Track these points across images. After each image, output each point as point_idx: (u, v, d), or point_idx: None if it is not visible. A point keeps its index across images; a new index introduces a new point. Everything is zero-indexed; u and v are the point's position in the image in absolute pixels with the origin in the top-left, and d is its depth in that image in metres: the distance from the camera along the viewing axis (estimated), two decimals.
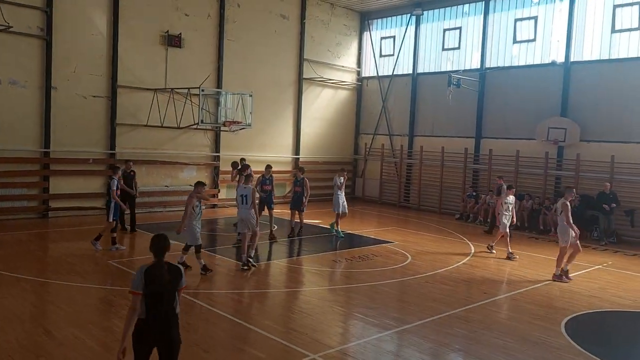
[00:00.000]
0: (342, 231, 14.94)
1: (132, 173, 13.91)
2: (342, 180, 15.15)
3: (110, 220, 11.88)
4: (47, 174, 15.86)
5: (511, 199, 13.31)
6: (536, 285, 10.50)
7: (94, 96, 16.57)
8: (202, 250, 10.48)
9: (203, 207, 10.81)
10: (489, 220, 17.46)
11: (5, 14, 14.33)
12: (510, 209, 13.17)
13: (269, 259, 12.22)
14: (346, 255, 12.63)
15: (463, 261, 12.43)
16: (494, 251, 13.36)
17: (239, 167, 14.92)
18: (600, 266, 12.42)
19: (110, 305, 8.31)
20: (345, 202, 15.22)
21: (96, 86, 16.57)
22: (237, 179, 13.80)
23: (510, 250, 12.96)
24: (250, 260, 10.88)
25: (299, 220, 14.49)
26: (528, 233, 16.83)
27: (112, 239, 11.94)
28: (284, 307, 9.01)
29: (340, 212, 14.94)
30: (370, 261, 12.03)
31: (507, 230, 13.16)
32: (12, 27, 14.48)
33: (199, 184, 10.45)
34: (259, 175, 14.22)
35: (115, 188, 11.93)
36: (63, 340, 6.86)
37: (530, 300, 9.49)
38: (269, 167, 14.36)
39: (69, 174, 16.08)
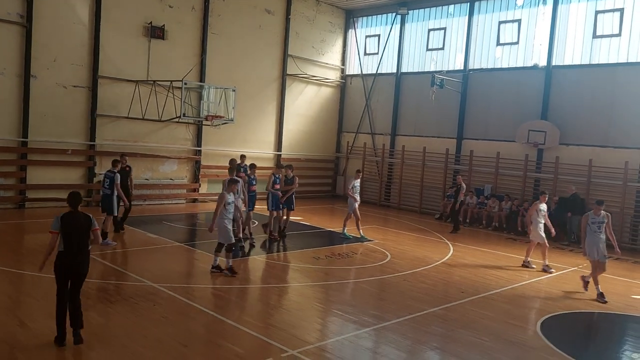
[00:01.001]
0: (348, 233, 14.62)
1: (127, 169, 12.94)
2: (357, 183, 14.76)
3: (116, 214, 11.71)
4: (25, 164, 15.57)
5: (544, 206, 12.25)
6: (513, 286, 10.66)
7: (74, 86, 16.31)
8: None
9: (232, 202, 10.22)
10: (457, 219, 17.56)
11: None
12: (543, 217, 12.14)
13: (248, 254, 12.16)
14: (326, 252, 12.65)
15: (442, 260, 12.55)
16: (533, 265, 12.27)
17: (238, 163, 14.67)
18: (575, 268, 12.65)
19: (87, 298, 8.16)
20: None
21: (77, 76, 16.30)
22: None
23: (546, 263, 12.10)
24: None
25: (286, 217, 14.12)
26: (506, 234, 17.05)
27: (104, 233, 11.78)
28: (263, 303, 8.99)
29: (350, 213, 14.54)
30: (350, 259, 12.08)
31: (545, 240, 12.15)
32: None
33: (232, 182, 10.27)
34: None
35: (118, 182, 11.76)
36: (38, 333, 6.75)
37: (507, 300, 9.62)
38: (253, 165, 13.83)
39: (46, 164, 15.81)
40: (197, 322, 7.53)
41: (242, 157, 16.15)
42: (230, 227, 9.97)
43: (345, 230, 14.61)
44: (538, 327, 8.25)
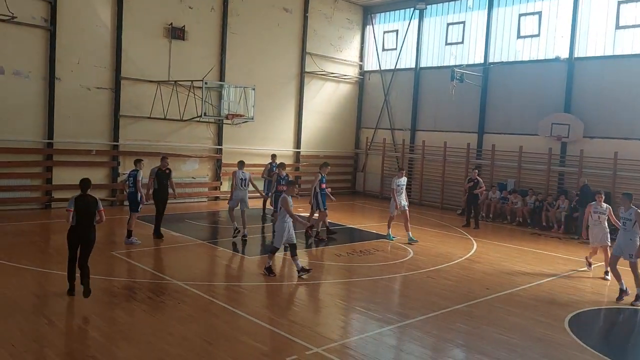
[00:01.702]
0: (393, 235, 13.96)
1: (167, 171, 12.66)
2: (403, 182, 13.88)
3: (138, 211, 11.88)
4: (50, 165, 15.87)
5: (604, 207, 10.90)
6: (539, 282, 10.50)
7: (98, 88, 16.55)
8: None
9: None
10: (483, 214, 17.48)
11: (9, 4, 14.27)
12: (601, 219, 10.87)
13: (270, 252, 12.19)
14: (347, 249, 12.63)
15: (465, 257, 12.43)
16: (590, 267, 11.46)
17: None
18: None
19: (113, 296, 8.32)
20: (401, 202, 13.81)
21: (100, 78, 16.54)
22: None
23: (607, 269, 10.83)
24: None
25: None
26: (531, 229, 16.82)
27: (129, 232, 11.95)
28: (286, 300, 9.03)
29: (394, 214, 13.79)
30: (372, 256, 12.04)
31: (606, 243, 10.85)
32: (16, 17, 14.44)
33: (291, 183, 10.40)
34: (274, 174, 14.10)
35: (140, 179, 11.88)
36: (66, 331, 6.89)
37: (533, 296, 9.48)
38: (282, 164, 13.94)
39: (71, 165, 16.07)
40: (221, 320, 7.59)
41: (273, 156, 16.61)
42: (286, 231, 9.76)
43: (390, 232, 13.94)
44: (566, 323, 8.11)
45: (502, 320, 8.12)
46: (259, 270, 10.34)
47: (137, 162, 12.23)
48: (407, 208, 13.91)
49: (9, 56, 14.85)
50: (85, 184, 8.16)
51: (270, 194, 14.95)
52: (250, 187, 13.25)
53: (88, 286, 7.90)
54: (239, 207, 12.95)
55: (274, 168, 15.63)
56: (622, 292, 9.50)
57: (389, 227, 13.97)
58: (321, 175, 13.64)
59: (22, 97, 15.17)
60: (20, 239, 12.01)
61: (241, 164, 13.27)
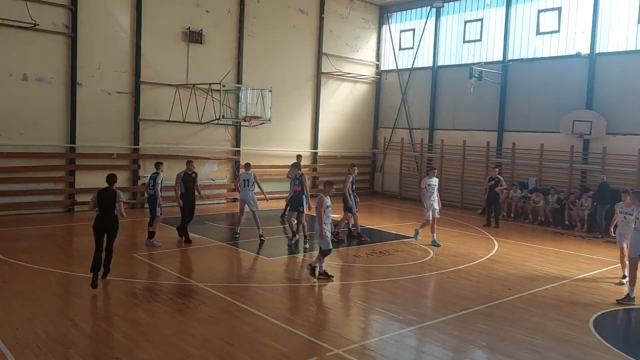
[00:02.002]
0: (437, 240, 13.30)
1: (193, 175, 12.63)
2: (434, 182, 13.37)
3: (158, 214, 11.98)
4: (73, 169, 16.15)
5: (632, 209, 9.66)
6: (562, 282, 10.34)
7: (118, 92, 16.79)
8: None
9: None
10: (504, 213, 17.37)
11: (31, 12, 14.60)
12: (627, 219, 9.85)
13: (289, 252, 12.24)
14: (367, 250, 12.58)
15: (486, 257, 12.30)
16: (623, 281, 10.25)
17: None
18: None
19: (135, 298, 8.41)
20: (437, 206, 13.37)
21: (120, 82, 16.78)
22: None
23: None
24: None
25: (347, 221, 13.65)
26: (553, 228, 16.57)
27: (151, 233, 12.11)
28: (305, 301, 9.03)
29: (432, 218, 13.23)
30: (391, 256, 11.98)
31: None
32: (38, 24, 14.75)
33: (329, 184, 9.97)
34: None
35: (159, 182, 11.98)
36: (90, 333, 6.98)
37: (556, 296, 9.34)
38: (296, 164, 13.74)
39: (93, 168, 16.33)
40: (242, 321, 7.62)
41: (298, 157, 16.75)
42: (329, 232, 9.69)
43: (419, 233, 13.56)
44: (591, 323, 7.97)
45: (524, 321, 8.00)
46: (280, 271, 10.36)
47: (158, 165, 12.34)
48: (438, 214, 13.40)
49: (32, 63, 15.15)
50: (110, 178, 8.99)
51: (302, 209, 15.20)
52: (266, 188, 13.41)
53: (108, 267, 9.00)
54: (247, 209, 13.01)
55: (296, 181, 15.46)
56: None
57: (431, 230, 13.31)
58: (352, 176, 13.41)
59: (45, 102, 15.47)
60: (44, 242, 12.23)
61: (247, 166, 13.53)
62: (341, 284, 9.88)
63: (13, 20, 14.45)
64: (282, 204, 16.74)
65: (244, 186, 13.03)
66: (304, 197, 12.50)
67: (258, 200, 13.33)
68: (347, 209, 13.22)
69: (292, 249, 12.46)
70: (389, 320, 7.96)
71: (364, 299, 9.11)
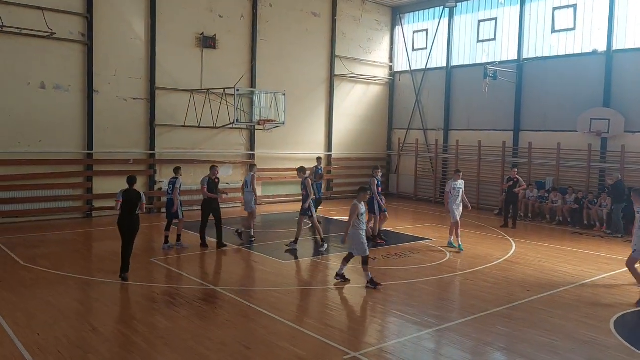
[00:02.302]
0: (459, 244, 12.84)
1: (216, 180, 12.55)
2: (459, 185, 12.87)
3: (182, 216, 12.12)
4: (90, 175, 16.35)
5: None
6: (582, 282, 10.20)
7: (134, 98, 16.98)
8: (351, 259, 9.75)
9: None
10: (521, 213, 17.26)
11: (48, 21, 14.84)
12: None
13: (306, 255, 12.24)
14: (383, 252, 12.54)
15: (504, 258, 12.17)
16: None
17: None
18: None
19: (153, 302, 8.49)
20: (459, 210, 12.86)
21: (135, 89, 16.97)
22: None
23: None
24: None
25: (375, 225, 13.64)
26: (571, 228, 16.35)
27: (178, 236, 12.22)
28: (322, 304, 9.01)
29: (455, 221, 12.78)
30: (408, 258, 11.92)
31: None
32: (55, 33, 14.98)
33: (363, 190, 9.76)
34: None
35: (178, 187, 12.08)
36: (109, 337, 7.05)
37: (576, 297, 9.21)
38: (301, 169, 12.93)
39: (110, 174, 16.52)
40: (259, 325, 7.64)
41: (319, 159, 17.08)
42: (364, 238, 9.55)
43: (458, 242, 12.81)
44: (611, 324, 7.84)
45: (544, 323, 7.90)
46: (296, 274, 10.36)
47: (177, 170, 12.44)
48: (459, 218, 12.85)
49: (50, 71, 15.40)
50: (130, 179, 9.69)
51: (320, 196, 15.99)
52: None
53: (128, 262, 9.68)
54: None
55: (319, 171, 16.32)
56: None
57: (456, 236, 12.81)
58: (377, 179, 13.36)
59: (62, 110, 15.70)
60: (63, 248, 12.40)
61: (249, 167, 14.21)
62: (358, 287, 9.85)
63: (31, 30, 14.70)
64: (297, 207, 16.72)
65: (244, 188, 13.61)
66: (311, 200, 12.64)
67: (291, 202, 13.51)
68: (372, 210, 13.07)
69: (316, 252, 12.48)
70: (406, 322, 7.92)
71: (381, 301, 9.07)
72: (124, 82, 16.72)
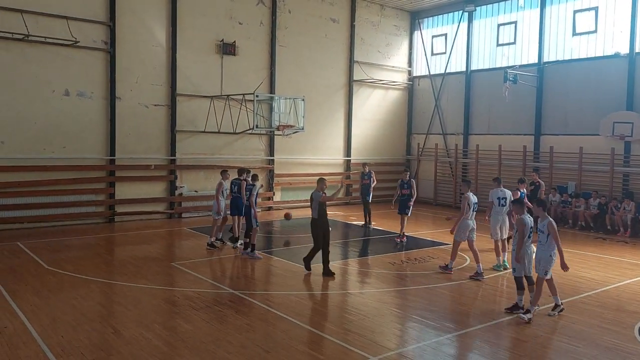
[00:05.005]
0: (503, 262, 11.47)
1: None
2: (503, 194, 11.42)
3: (256, 225, 12.03)
4: (113, 181, 16.62)
5: None
6: (605, 288, 10.02)
7: (155, 105, 17.24)
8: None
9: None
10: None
11: (72, 30, 15.18)
12: None
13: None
14: (403, 257, 12.49)
15: None
16: None
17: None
18: None
19: (174, 306, 8.59)
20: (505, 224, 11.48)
21: (157, 95, 17.23)
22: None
23: None
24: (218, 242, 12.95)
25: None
26: (594, 234, 16.08)
27: (251, 245, 12.17)
28: (341, 308, 9.02)
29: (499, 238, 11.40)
30: (428, 263, 11.86)
31: None
32: (79, 41, 15.32)
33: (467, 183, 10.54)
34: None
35: (255, 193, 12.08)
36: (131, 340, 7.15)
37: (599, 303, 9.06)
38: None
39: (132, 180, 16.78)
40: (278, 329, 7.68)
41: (364, 164, 17.43)
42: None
43: (504, 259, 11.53)
44: (636, 331, 7.70)
45: (566, 329, 7.79)
46: (316, 279, 10.39)
47: (254, 177, 12.61)
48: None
49: (74, 78, 15.73)
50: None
51: (369, 198, 16.51)
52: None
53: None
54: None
55: (365, 176, 16.78)
56: None
57: (501, 254, 11.48)
58: (402, 181, 14.14)
59: (86, 116, 16.01)
60: (86, 252, 12.62)
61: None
62: (377, 291, 9.84)
63: (55, 38, 15.06)
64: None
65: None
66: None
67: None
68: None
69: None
70: (425, 327, 7.88)
71: (400, 306, 9.04)
72: (146, 88, 16.99)
